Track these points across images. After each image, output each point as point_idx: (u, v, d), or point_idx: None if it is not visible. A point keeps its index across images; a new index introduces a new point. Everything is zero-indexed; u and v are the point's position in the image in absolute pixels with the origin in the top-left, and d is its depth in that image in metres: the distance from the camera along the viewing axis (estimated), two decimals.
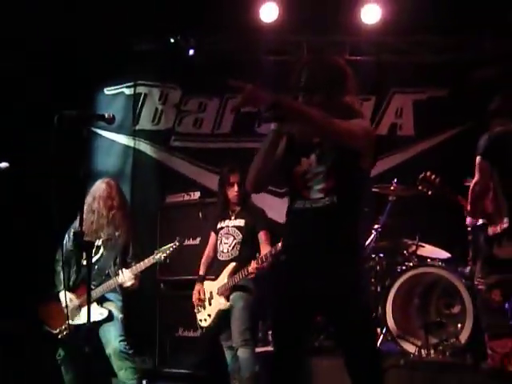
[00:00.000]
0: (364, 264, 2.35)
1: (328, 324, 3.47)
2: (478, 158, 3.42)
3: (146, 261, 3.85)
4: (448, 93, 6.78)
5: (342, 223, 2.22)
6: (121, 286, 3.85)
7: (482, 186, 3.42)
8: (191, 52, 6.51)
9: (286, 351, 2.28)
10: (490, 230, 3.43)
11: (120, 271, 3.82)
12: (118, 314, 3.83)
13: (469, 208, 3.55)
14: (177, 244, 3.93)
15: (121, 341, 3.74)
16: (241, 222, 4.14)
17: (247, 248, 4.08)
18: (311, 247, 2.23)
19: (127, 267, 3.85)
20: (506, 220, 3.32)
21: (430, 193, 3.88)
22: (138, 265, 3.85)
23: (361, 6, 6.26)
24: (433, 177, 3.91)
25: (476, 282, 3.53)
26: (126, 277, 3.78)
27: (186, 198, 5.70)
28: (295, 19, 6.22)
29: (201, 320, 4.14)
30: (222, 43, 6.62)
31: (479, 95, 5.84)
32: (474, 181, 3.46)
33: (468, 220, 4.24)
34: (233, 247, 4.10)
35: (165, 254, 3.86)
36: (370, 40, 6.84)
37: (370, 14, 6.30)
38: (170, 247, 3.91)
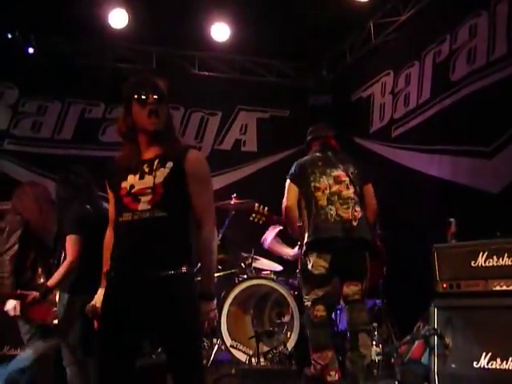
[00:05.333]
0: (192, 277, 2.32)
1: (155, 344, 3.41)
2: (287, 181, 3.81)
3: None
4: (288, 114, 7.25)
5: (169, 235, 2.22)
6: None
7: (289, 204, 3.76)
8: (31, 50, 6.12)
9: (112, 369, 2.22)
10: (303, 248, 3.75)
11: None
12: None
13: (288, 227, 3.90)
14: None
15: None
16: None
17: None
18: (137, 258, 2.20)
19: None
20: (306, 235, 3.66)
21: (261, 222, 4.23)
22: None
23: (211, 23, 6.43)
24: (261, 208, 4.28)
25: (303, 300, 3.78)
26: None
27: None
28: (145, 29, 6.17)
29: None
30: (66, 45, 6.35)
31: (315, 119, 6.34)
32: (283, 201, 3.80)
33: None
34: None
35: None
36: (218, 57, 7.07)
37: (220, 32, 6.50)
38: None
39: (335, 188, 3.67)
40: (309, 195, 3.70)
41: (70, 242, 3.43)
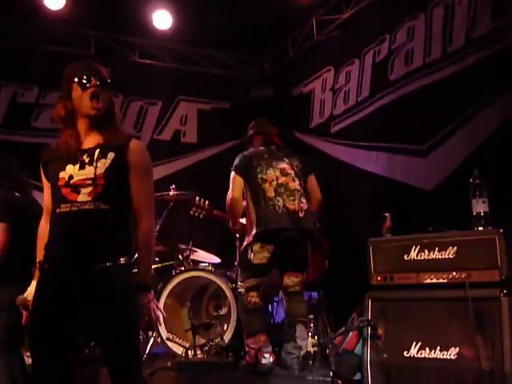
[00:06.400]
0: (131, 268, 2.26)
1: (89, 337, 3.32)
2: (232, 173, 3.82)
3: None
4: (230, 106, 7.23)
5: (108, 227, 2.16)
6: None
7: (235, 197, 3.77)
8: None
9: (45, 366, 2.13)
10: (246, 239, 3.76)
11: None
12: None
13: (230, 222, 3.88)
14: None
15: None
16: None
17: None
18: (74, 250, 2.12)
19: None
20: (254, 227, 3.69)
21: (201, 216, 4.20)
22: None
23: (153, 10, 6.29)
24: (201, 201, 4.26)
25: (237, 286, 3.82)
26: None
27: None
28: (84, 11, 5.94)
29: None
30: None
31: (256, 113, 6.36)
32: (228, 193, 3.80)
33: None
34: None
35: None
36: (160, 45, 6.94)
37: (162, 20, 6.37)
38: None
39: (282, 180, 3.71)
40: (255, 187, 3.72)
41: None
